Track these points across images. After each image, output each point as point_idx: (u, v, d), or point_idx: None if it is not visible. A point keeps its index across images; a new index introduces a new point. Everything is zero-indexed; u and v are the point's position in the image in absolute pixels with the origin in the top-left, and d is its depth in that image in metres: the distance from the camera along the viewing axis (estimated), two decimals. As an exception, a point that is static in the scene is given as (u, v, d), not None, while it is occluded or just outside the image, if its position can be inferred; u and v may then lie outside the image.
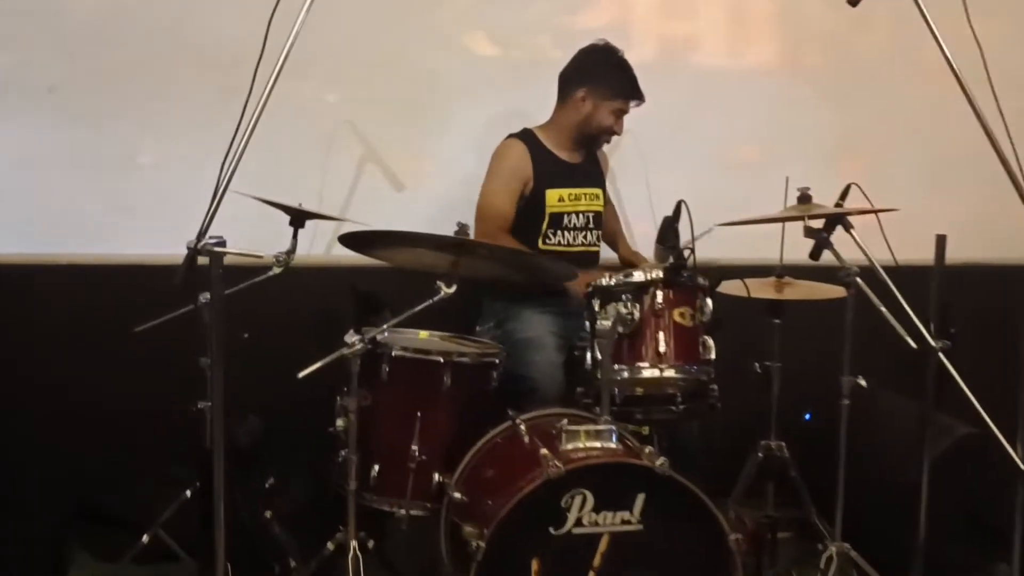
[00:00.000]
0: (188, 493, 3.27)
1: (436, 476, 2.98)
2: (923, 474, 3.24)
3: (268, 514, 2.82)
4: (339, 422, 3.06)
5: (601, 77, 3.61)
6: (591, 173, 3.75)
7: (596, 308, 2.89)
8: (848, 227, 2.89)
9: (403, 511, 2.98)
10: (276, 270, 3.10)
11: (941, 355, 2.78)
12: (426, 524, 3.00)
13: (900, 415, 3.54)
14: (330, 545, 2.89)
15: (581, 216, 3.66)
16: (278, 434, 3.49)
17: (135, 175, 3.78)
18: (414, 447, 2.96)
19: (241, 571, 2.82)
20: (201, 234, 2.36)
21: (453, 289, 2.76)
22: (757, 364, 3.41)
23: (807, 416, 3.74)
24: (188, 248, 2.40)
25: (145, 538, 3.30)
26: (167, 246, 2.88)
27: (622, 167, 4.07)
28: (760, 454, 3.40)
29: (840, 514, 3.11)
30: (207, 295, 3.09)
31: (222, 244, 2.40)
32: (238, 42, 2.79)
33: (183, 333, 3.11)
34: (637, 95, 3.63)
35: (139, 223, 3.74)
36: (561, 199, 3.62)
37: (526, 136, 3.66)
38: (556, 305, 3.54)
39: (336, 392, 3.10)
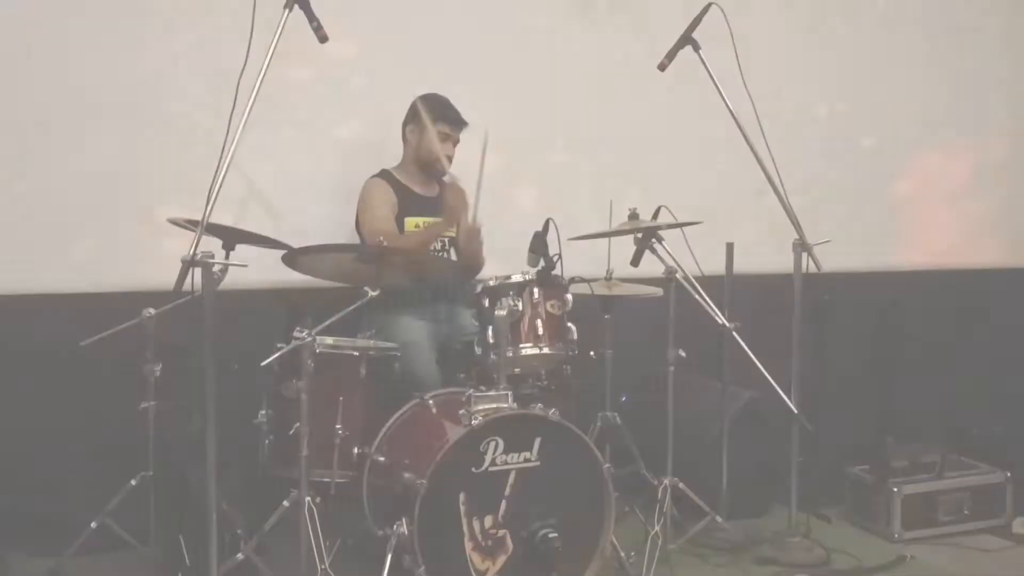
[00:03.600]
0: (133, 482, 3.59)
1: (355, 449, 3.53)
2: (723, 430, 4.17)
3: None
4: (261, 413, 3.61)
5: (419, 110, 4.12)
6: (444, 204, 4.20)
7: (486, 304, 3.51)
8: (660, 239, 3.78)
9: (329, 479, 3.48)
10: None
11: (734, 333, 3.74)
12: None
13: (701, 390, 4.33)
14: (286, 503, 3.36)
15: (437, 240, 4.22)
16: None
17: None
18: (338, 426, 3.50)
19: (195, 542, 3.27)
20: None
21: (377, 292, 3.35)
22: (592, 352, 3.98)
23: (623, 398, 4.28)
24: (183, 261, 3.00)
25: (93, 524, 3.57)
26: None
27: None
28: (599, 423, 3.99)
29: (671, 455, 3.80)
30: (150, 310, 3.65)
31: (211, 256, 3.03)
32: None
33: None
34: (452, 118, 4.16)
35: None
36: (417, 225, 4.17)
37: (384, 175, 4.23)
38: (427, 315, 4.14)
39: (259, 390, 3.61)
